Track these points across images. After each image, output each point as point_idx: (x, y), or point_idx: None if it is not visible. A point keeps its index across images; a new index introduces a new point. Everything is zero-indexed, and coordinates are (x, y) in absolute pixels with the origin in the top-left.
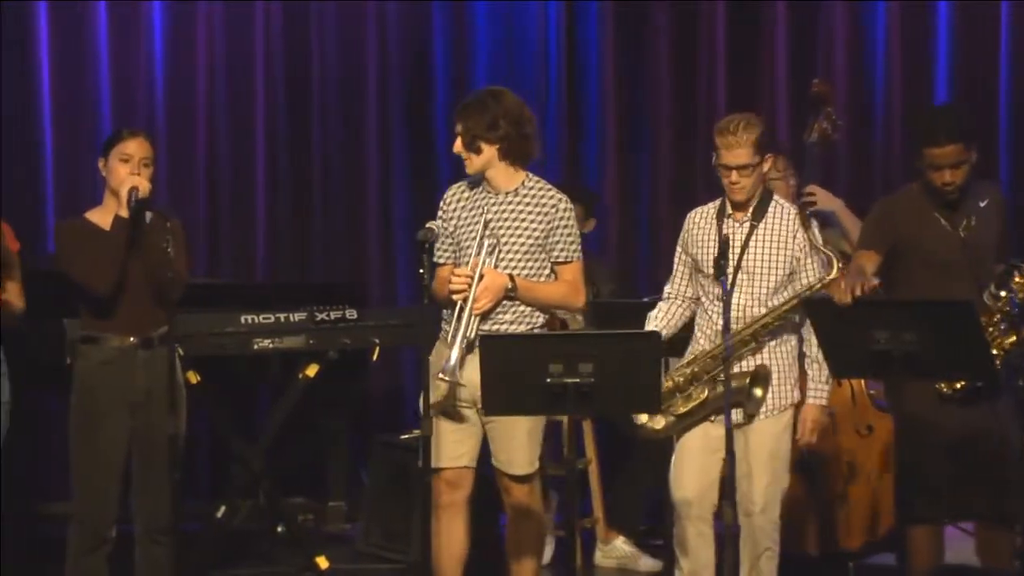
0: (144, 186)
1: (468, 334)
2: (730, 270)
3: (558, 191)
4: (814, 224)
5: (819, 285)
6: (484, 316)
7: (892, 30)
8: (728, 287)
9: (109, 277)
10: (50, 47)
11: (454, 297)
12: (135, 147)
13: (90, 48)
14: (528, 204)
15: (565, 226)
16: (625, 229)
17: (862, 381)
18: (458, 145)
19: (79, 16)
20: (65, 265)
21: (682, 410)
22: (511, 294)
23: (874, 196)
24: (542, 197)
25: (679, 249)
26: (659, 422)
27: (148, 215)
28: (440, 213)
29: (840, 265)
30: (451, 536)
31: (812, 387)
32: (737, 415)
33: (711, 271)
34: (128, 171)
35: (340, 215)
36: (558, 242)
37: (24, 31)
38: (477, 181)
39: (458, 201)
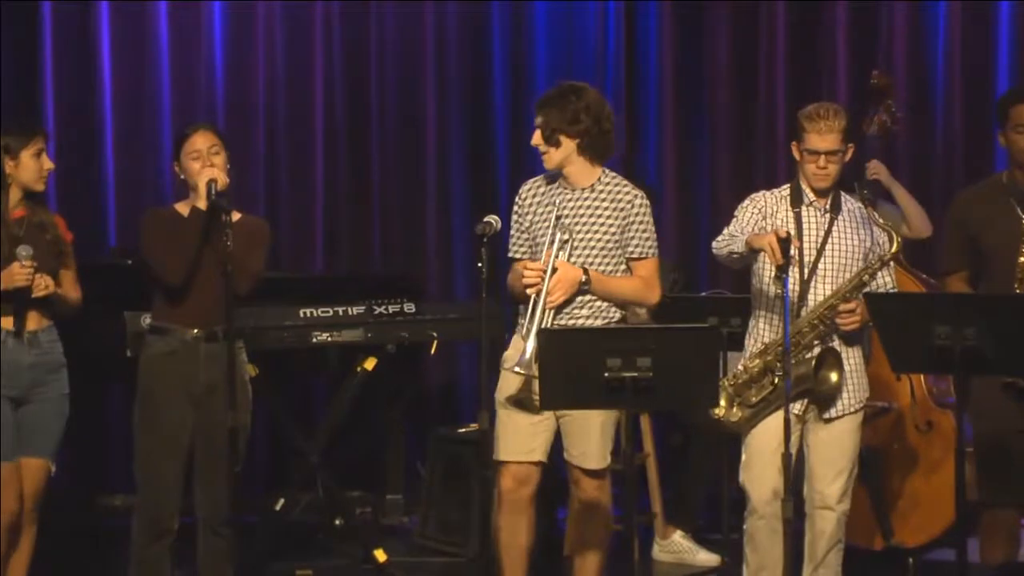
0: (221, 178)
1: (543, 327)
2: (786, 268)
3: (634, 187)
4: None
5: (879, 264)
6: (559, 310)
7: (953, 29)
8: (789, 284)
9: (180, 265)
10: (111, 47)
11: (528, 291)
12: (200, 140)
13: (150, 47)
14: (604, 200)
15: (641, 222)
16: (684, 226)
17: (922, 377)
18: (537, 138)
19: (140, 16)
20: (144, 250)
21: (754, 399)
22: (585, 288)
23: (933, 191)
24: (618, 193)
25: (744, 215)
26: (735, 414)
27: (225, 216)
28: (515, 208)
29: (899, 241)
30: (517, 531)
31: None
32: (815, 410)
33: (793, 260)
34: (200, 165)
35: (398, 209)
36: (633, 238)
37: (85, 31)
38: (553, 177)
39: (533, 196)
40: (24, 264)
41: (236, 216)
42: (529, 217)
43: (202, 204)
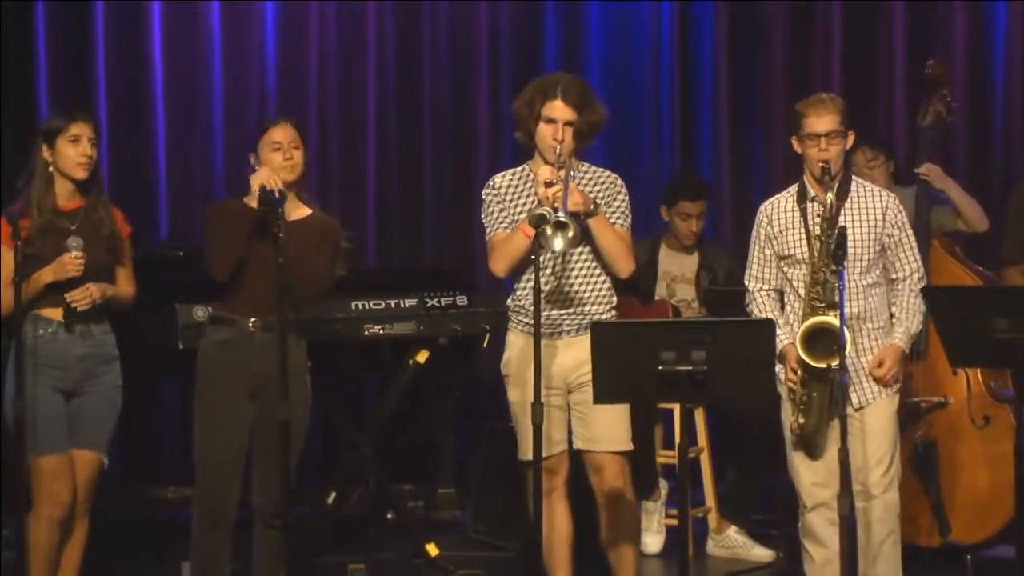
0: (273, 181)
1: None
2: (840, 261)
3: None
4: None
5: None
6: (566, 299)
7: (1013, 25)
8: (844, 278)
9: (226, 261)
10: (162, 41)
11: (547, 189)
12: (281, 133)
13: (203, 42)
14: (589, 183)
15: (623, 199)
16: (739, 219)
17: (979, 371)
18: (569, 138)
19: (192, 11)
20: (206, 241)
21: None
22: (594, 210)
23: (992, 185)
24: (598, 175)
25: (759, 243)
26: (807, 423)
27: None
28: (492, 196)
29: (937, 243)
30: (557, 520)
31: (897, 330)
32: (855, 398)
33: (804, 257)
34: (281, 158)
35: (450, 201)
36: (615, 211)
37: (137, 24)
38: (528, 169)
39: (510, 187)
40: (75, 255)
41: (306, 212)
42: (511, 203)
43: (253, 203)
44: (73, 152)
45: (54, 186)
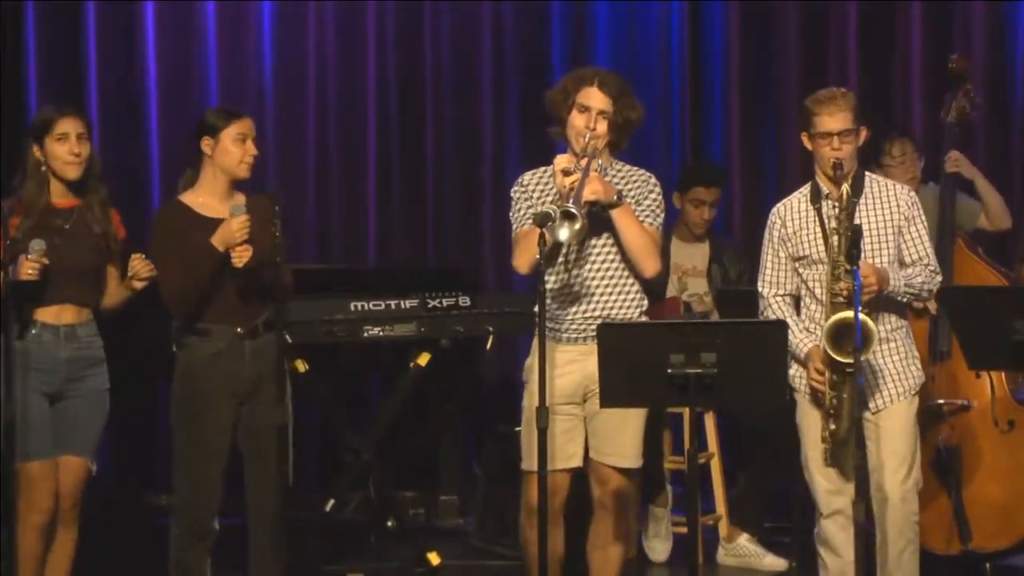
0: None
1: (579, 207)
2: (855, 260)
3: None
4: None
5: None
6: (590, 302)
7: None
8: (859, 278)
9: (193, 292)
10: (157, 44)
11: (564, 178)
12: (247, 126)
13: (198, 44)
14: (622, 181)
15: (655, 198)
16: (750, 221)
17: (1002, 375)
18: (604, 128)
19: (186, 14)
20: (155, 261)
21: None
22: (617, 201)
23: (1013, 184)
24: (631, 174)
25: (772, 246)
26: (841, 428)
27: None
28: (520, 193)
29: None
30: (552, 542)
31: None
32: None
33: (820, 257)
34: (245, 150)
35: (453, 199)
36: (645, 209)
37: (131, 28)
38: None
39: (536, 185)
40: (31, 258)
41: (243, 199)
42: (538, 200)
43: (220, 249)
44: (62, 151)
45: (48, 185)
